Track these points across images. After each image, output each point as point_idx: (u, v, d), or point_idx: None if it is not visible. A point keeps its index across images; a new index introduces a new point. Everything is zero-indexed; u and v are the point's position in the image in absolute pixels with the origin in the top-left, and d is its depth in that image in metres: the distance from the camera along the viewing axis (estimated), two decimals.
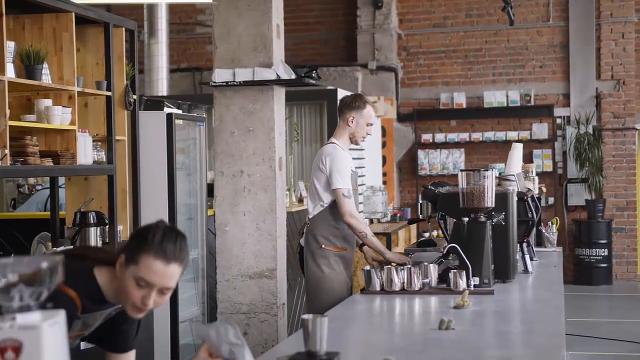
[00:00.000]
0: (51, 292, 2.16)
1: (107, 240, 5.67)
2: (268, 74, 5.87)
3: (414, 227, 11.28)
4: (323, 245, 5.14)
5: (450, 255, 4.38)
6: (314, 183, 5.22)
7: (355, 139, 5.26)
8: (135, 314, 2.58)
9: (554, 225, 6.26)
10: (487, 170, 4.40)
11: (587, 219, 12.17)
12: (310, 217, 5.25)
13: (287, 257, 6.18)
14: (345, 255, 5.21)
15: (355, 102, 5.26)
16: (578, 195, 12.35)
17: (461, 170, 4.44)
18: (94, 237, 5.53)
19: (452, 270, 4.21)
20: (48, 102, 5.08)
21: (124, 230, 5.91)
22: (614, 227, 12.24)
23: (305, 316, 2.67)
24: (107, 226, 5.63)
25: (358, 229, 5.07)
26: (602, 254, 12.00)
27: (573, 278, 12.18)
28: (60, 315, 1.82)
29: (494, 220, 4.41)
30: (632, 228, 12.39)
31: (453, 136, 12.64)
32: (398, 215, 11.28)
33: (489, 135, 12.53)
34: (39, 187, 8.89)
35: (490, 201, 4.36)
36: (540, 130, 12.42)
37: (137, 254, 2.52)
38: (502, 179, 5.24)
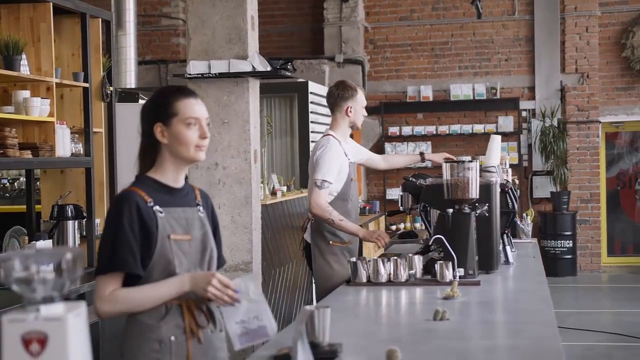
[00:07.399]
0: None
1: (84, 233, 5.60)
2: (244, 66, 5.84)
3: (382, 219, 11.34)
4: (331, 242, 5.09)
5: (433, 246, 4.39)
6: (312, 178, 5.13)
7: (357, 125, 5.36)
8: (199, 154, 2.84)
9: (529, 217, 6.32)
10: (472, 161, 4.42)
11: (552, 211, 12.31)
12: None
13: (262, 250, 6.15)
14: (351, 248, 5.16)
15: (348, 91, 5.29)
16: (543, 188, 12.48)
17: (445, 161, 4.45)
18: (72, 230, 5.45)
19: (438, 262, 4.22)
20: (26, 93, 5.00)
21: (101, 224, 5.84)
22: (578, 219, 12.39)
23: (309, 307, 2.67)
24: (84, 219, 5.57)
25: (323, 218, 4.98)
26: (567, 246, 12.15)
27: None
28: (82, 307, 1.81)
29: (478, 211, 4.44)
30: (596, 220, 12.55)
31: (420, 129, 12.69)
32: (367, 208, 11.31)
33: (456, 128, 12.59)
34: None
35: (474, 192, 4.38)
36: (506, 123, 12.51)
37: (171, 108, 2.81)
38: (482, 170, 5.26)
